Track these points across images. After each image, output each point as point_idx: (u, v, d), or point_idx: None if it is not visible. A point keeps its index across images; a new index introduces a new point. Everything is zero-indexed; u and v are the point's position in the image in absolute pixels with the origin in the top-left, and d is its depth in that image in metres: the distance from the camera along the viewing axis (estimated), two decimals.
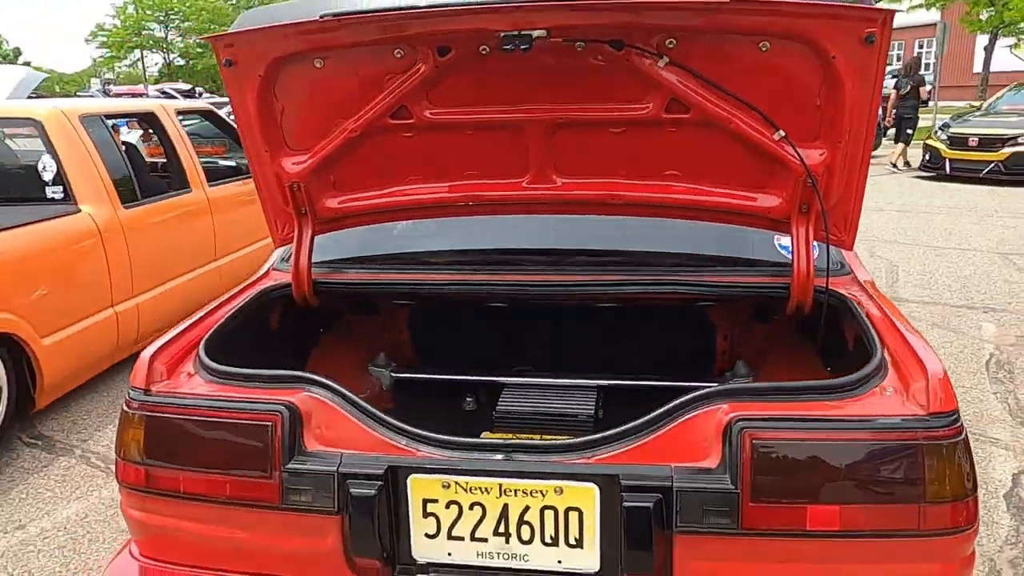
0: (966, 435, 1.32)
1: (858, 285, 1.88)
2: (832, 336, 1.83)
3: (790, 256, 1.92)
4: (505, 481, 1.39)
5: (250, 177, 5.78)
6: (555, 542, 1.40)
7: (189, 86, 27.03)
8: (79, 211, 3.95)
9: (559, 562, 1.41)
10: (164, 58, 46.19)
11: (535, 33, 1.49)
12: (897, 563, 1.32)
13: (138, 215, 4.32)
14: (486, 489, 1.39)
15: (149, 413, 1.52)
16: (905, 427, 1.30)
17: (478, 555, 1.43)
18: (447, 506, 1.42)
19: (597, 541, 1.38)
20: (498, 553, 1.42)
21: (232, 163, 5.97)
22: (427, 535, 1.44)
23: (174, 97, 14.32)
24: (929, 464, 1.29)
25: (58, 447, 3.53)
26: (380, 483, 1.39)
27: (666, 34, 1.57)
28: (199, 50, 45.20)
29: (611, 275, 2.00)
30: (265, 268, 2.21)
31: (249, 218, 5.65)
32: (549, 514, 1.39)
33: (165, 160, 5.05)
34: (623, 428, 1.39)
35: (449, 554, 1.44)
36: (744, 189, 1.80)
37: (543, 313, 2.18)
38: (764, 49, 1.57)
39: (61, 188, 4.03)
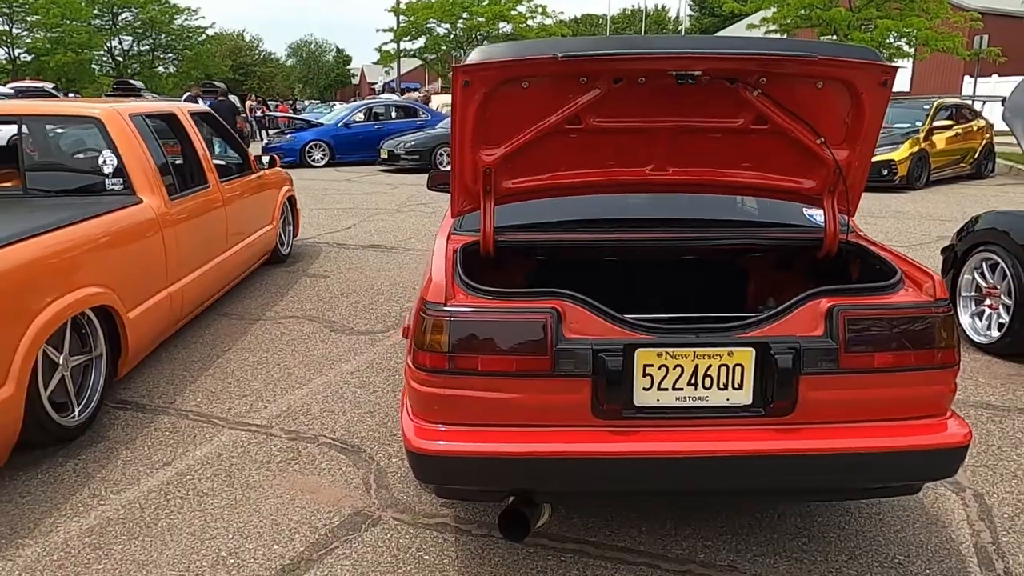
0: (953, 312, 2.31)
1: (861, 238, 2.88)
2: (850, 270, 2.81)
3: (818, 221, 2.90)
4: (698, 349, 2.23)
5: (244, 175, 6.30)
6: (725, 387, 2.25)
7: (52, 84, 25.63)
8: (141, 201, 4.39)
9: (727, 399, 2.26)
10: (8, 53, 42.85)
11: (696, 72, 2.36)
12: (922, 387, 2.28)
13: (180, 206, 4.78)
14: (685, 355, 2.22)
15: (453, 319, 2.24)
16: (925, 306, 2.28)
17: (676, 399, 2.25)
18: (659, 368, 2.23)
19: (751, 385, 2.24)
20: (689, 397, 2.25)
21: (222, 162, 6.39)
22: (644, 388, 2.24)
23: (35, 94, 13.52)
24: (938, 327, 2.26)
25: (148, 408, 3.98)
26: (622, 355, 2.19)
27: (762, 75, 2.48)
28: (49, 46, 42.41)
29: (701, 234, 2.92)
30: (446, 233, 2.93)
31: (246, 211, 6.14)
32: (723, 369, 2.23)
33: (182, 158, 5.45)
34: (766, 315, 2.27)
35: (658, 400, 2.25)
36: (794, 176, 2.75)
37: (644, 265, 3.05)
38: (819, 87, 2.51)
39: (121, 180, 4.45)
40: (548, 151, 2.68)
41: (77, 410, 3.63)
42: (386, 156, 15.98)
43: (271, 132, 21.74)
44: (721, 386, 2.25)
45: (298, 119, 21.54)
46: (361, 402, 4.04)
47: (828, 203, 2.75)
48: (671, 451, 2.22)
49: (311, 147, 16.96)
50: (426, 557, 2.71)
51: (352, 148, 17.12)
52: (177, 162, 5.22)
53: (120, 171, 4.44)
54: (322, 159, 16.98)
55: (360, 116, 18.35)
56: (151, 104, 5.67)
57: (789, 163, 2.72)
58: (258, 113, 26.14)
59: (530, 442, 2.24)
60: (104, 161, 4.45)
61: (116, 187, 4.45)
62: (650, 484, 2.30)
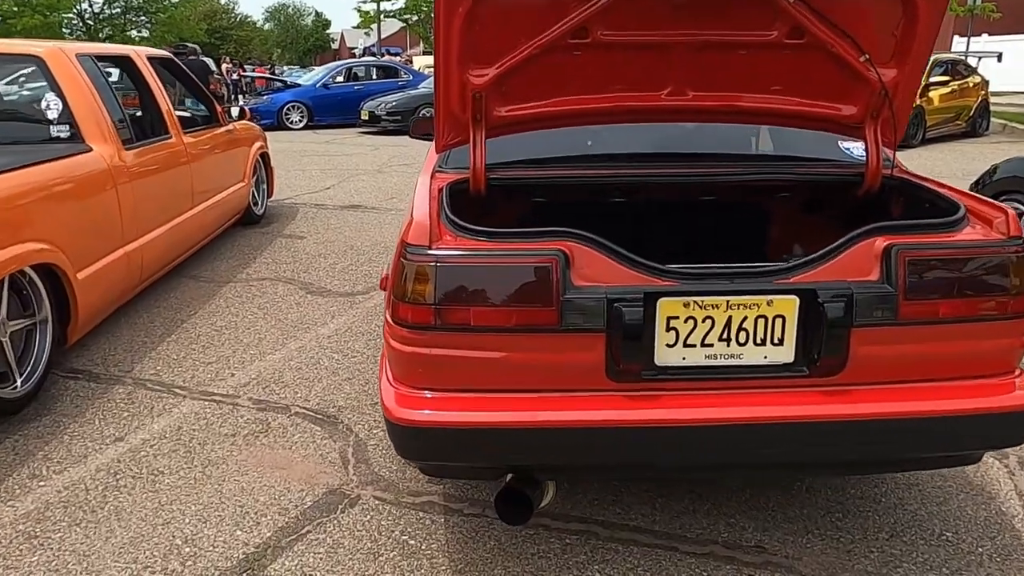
0: None
1: (907, 172, 2.52)
2: (893, 210, 2.46)
3: (856, 154, 2.54)
4: (732, 298, 1.88)
5: (213, 127, 5.85)
6: (763, 343, 1.90)
7: None
8: (91, 150, 3.95)
9: (764, 357, 1.91)
10: None
11: None
12: (991, 340, 1.94)
13: (137, 158, 4.34)
14: (716, 305, 1.87)
15: (439, 264, 1.87)
16: (997, 246, 1.92)
17: (705, 357, 1.91)
18: (685, 321, 1.88)
19: (793, 339, 1.90)
20: (720, 355, 1.90)
21: (186, 113, 5.93)
22: (667, 345, 1.89)
23: None
24: (1013, 270, 1.92)
25: (102, 378, 3.60)
26: (642, 306, 1.84)
27: None
28: (16, 9, 40.93)
29: (723, 169, 2.55)
30: (430, 171, 2.54)
31: (214, 166, 5.70)
32: (760, 321, 1.89)
33: (140, 106, 5.00)
34: (811, 257, 1.91)
35: (683, 358, 1.90)
36: (832, 101, 2.37)
37: (658, 207, 2.68)
38: None
39: (67, 127, 4.00)
40: (548, 72, 2.28)
41: (19, 380, 3.24)
42: (367, 117, 15.43)
43: (248, 96, 21.03)
44: (758, 341, 1.90)
45: (276, 79, 20.87)
46: (339, 368, 3.67)
47: (870, 132, 2.38)
48: (700, 419, 1.88)
49: (289, 109, 16.36)
50: (411, 542, 2.37)
51: (331, 110, 16.53)
52: (134, 110, 4.77)
53: (66, 116, 3.99)
54: (300, 121, 16.40)
55: (340, 77, 17.73)
56: (102, 46, 5.19)
57: (827, 85, 2.34)
58: (234, 76, 25.34)
59: (532, 410, 1.89)
60: (48, 105, 3.99)
61: (62, 134, 4.00)
62: (674, 458, 1.97)
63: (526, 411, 1.89)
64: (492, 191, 2.40)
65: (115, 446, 2.97)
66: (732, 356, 1.91)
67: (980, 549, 2.32)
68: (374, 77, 18.09)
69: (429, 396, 1.93)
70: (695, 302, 1.87)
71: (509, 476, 2.05)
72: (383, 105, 15.26)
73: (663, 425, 1.89)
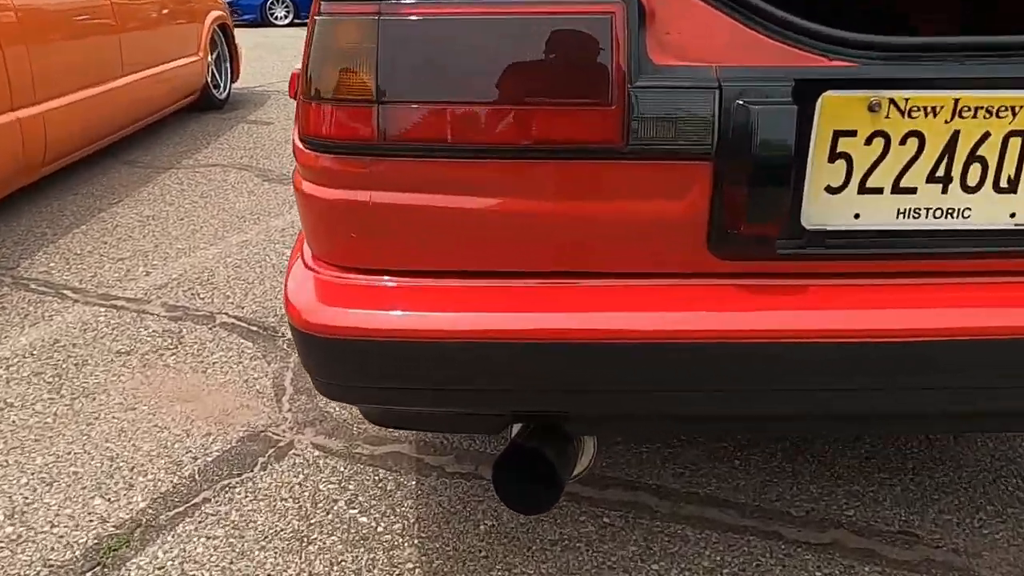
0: None
1: None
2: None
3: None
4: (964, 94, 0.96)
5: None
6: (1012, 186, 1.01)
7: None
8: None
9: (1012, 216, 1.02)
10: None
11: None
12: None
13: (36, 4, 3.34)
14: (933, 109, 0.96)
15: (386, 16, 0.94)
16: None
17: (898, 214, 1.02)
18: (868, 140, 0.97)
19: None
20: (927, 210, 1.01)
21: None
22: (828, 188, 1.00)
23: None
24: None
25: None
26: (792, 104, 0.92)
27: None
28: None
29: None
30: None
31: (157, 30, 4.69)
32: (1015, 144, 0.99)
33: None
34: None
35: (856, 216, 1.01)
36: None
37: None
38: None
39: None
40: None
41: None
42: None
43: None
44: (1004, 185, 0.99)
45: None
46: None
47: None
48: (882, 330, 0.98)
49: (273, 2, 14.99)
50: (362, 520, 1.52)
51: None
52: None
53: None
54: (285, 17, 15.07)
55: None
56: None
57: None
58: None
59: (564, 310, 1.00)
60: None
61: None
62: (827, 403, 1.07)
63: (552, 312, 0.99)
64: None
65: None
66: (950, 213, 1.00)
67: None
68: None
69: (370, 282, 1.03)
70: (893, 102, 0.94)
71: (517, 428, 1.18)
72: None
73: (810, 341, 0.99)
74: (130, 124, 4.41)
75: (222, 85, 5.91)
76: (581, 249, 1.00)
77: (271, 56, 9.15)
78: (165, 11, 4.84)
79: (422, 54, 0.94)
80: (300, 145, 1.04)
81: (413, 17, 0.94)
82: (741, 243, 0.98)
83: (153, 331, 2.30)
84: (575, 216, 0.98)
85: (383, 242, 1.01)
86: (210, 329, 2.32)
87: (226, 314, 2.41)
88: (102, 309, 2.45)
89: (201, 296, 2.55)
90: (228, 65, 6.03)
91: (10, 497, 1.58)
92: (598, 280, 1.01)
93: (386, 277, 1.02)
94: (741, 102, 0.92)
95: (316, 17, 0.98)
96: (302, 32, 13.59)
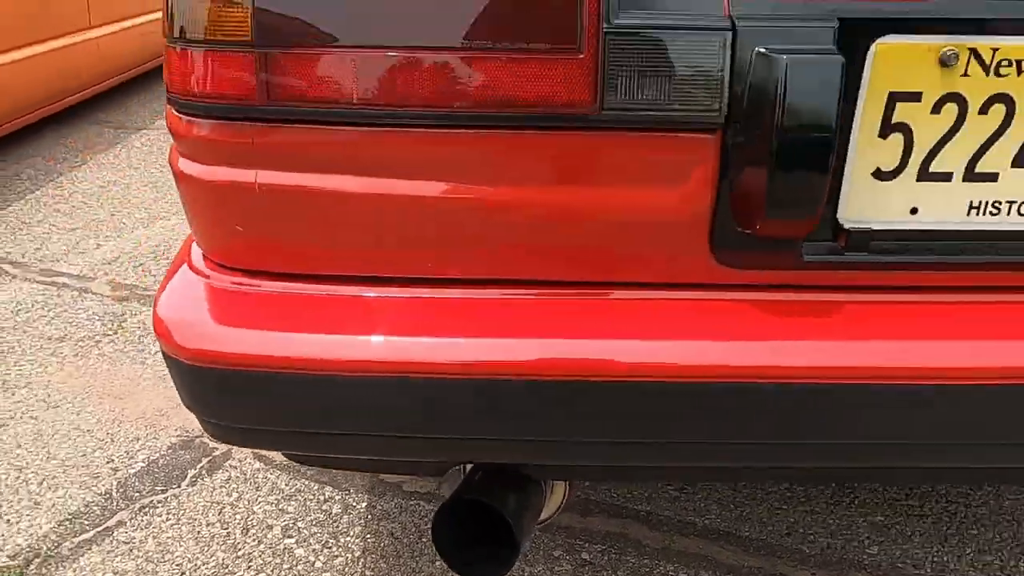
0: None
1: None
2: None
3: None
4: None
5: None
6: None
7: None
8: None
9: None
10: None
11: None
12: None
13: None
14: (1017, 58, 0.70)
15: None
16: None
17: (970, 209, 0.76)
18: (936, 107, 0.71)
19: None
20: (1012, 204, 0.75)
21: None
22: (878, 173, 0.74)
23: None
24: None
25: None
26: (827, 54, 0.66)
27: None
28: None
29: None
30: None
31: None
32: None
33: None
34: None
35: (914, 210, 0.76)
36: None
37: None
38: None
39: None
40: None
41: None
42: None
43: None
44: None
45: None
46: None
47: None
48: (965, 369, 0.73)
49: None
50: (299, 552, 1.29)
51: None
52: None
53: None
54: None
55: None
56: None
57: None
58: None
59: (523, 335, 0.75)
60: None
61: None
62: (863, 452, 0.82)
63: (510, 336, 0.75)
64: None
65: None
66: None
67: None
68: None
69: (261, 290, 0.78)
70: (976, 52, 0.68)
71: (468, 469, 0.94)
72: None
73: (846, 381, 0.74)
74: (100, 81, 4.12)
75: None
76: (538, 252, 0.75)
77: None
78: None
79: None
80: (170, 107, 0.79)
81: None
82: (757, 246, 0.72)
83: (93, 314, 2.06)
84: (531, 207, 0.72)
85: (273, 238, 0.76)
86: None
87: None
88: (40, 287, 2.21)
89: (153, 272, 2.30)
90: None
91: None
92: (562, 291, 0.76)
93: (270, 280, 0.77)
94: (763, 50, 0.66)
95: None
96: None
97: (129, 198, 2.92)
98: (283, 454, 1.06)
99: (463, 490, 0.88)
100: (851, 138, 0.70)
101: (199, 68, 0.71)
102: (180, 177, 0.79)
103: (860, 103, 0.69)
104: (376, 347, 0.73)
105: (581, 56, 0.66)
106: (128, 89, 4.58)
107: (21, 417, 1.64)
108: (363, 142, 0.71)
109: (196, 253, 0.86)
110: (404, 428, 0.78)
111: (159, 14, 4.24)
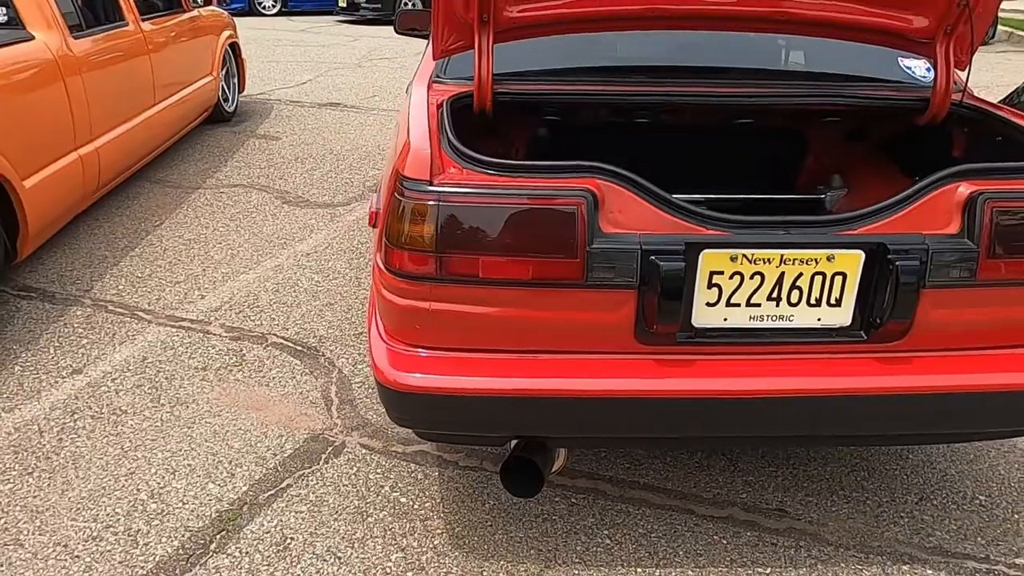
0: None
1: (980, 100, 2.20)
2: (956, 143, 2.16)
3: (916, 76, 2.21)
4: (786, 252, 1.60)
5: (175, 12, 5.33)
6: (817, 303, 1.64)
7: None
8: (32, 38, 3.48)
9: (818, 320, 1.65)
10: None
11: None
12: None
13: (88, 47, 3.86)
14: (768, 260, 1.60)
15: (443, 203, 1.56)
16: None
17: (750, 318, 1.65)
18: (731, 277, 1.61)
19: (853, 300, 1.63)
20: (768, 316, 1.64)
21: None
22: (708, 304, 1.63)
23: None
24: None
25: (59, 298, 3.28)
26: (683, 258, 1.55)
27: None
28: None
29: (764, 88, 2.20)
30: (426, 81, 2.17)
31: (178, 58, 5.19)
32: (818, 279, 1.61)
33: None
34: (880, 205, 1.63)
35: (725, 319, 1.65)
36: (900, 10, 2.02)
37: (685, 132, 2.35)
38: None
39: (3, 11, 3.50)
40: None
41: None
42: (344, 5, 14.44)
43: None
44: (812, 302, 1.64)
45: None
46: (319, 291, 3.38)
47: (941, 48, 2.05)
48: (741, 390, 1.64)
49: None
50: (403, 500, 2.16)
51: None
52: None
53: None
54: (274, 7, 15.35)
55: None
56: None
57: None
58: None
59: (548, 376, 1.63)
60: None
61: None
62: (708, 432, 1.73)
63: (541, 377, 1.63)
64: (499, 107, 2.05)
65: (73, 380, 2.69)
66: (781, 318, 1.65)
67: (1016, 515, 2.16)
68: None
69: (426, 355, 1.66)
70: (744, 255, 1.58)
71: (515, 442, 1.82)
72: None
73: (700, 396, 1.65)
74: (160, 146, 4.95)
75: (231, 99, 6.42)
76: (556, 337, 1.64)
77: (266, 57, 9.58)
78: (187, 39, 5.35)
79: (463, 224, 1.56)
80: (382, 268, 1.66)
81: (457, 203, 1.56)
82: (654, 337, 1.62)
83: (219, 350, 2.91)
84: (555, 320, 1.62)
85: (434, 332, 1.64)
86: (264, 348, 2.93)
87: (275, 335, 3.02)
88: (172, 330, 3.05)
89: (251, 318, 3.15)
90: (236, 80, 6.54)
91: (148, 482, 2.20)
92: (565, 356, 1.65)
93: (432, 352, 1.65)
94: (653, 257, 1.55)
95: (398, 197, 1.60)
96: (290, 23, 14.05)
97: (210, 254, 3.76)
98: (416, 433, 1.92)
99: (515, 451, 1.76)
100: (694, 289, 1.60)
101: (403, 256, 1.59)
102: (387, 302, 1.66)
103: (697, 275, 1.59)
104: (484, 382, 1.61)
105: (577, 259, 1.55)
106: (173, 147, 5.39)
107: (200, 422, 2.48)
108: (479, 292, 1.59)
109: (379, 328, 1.73)
110: (495, 427, 1.67)
111: (198, 84, 5.16)
